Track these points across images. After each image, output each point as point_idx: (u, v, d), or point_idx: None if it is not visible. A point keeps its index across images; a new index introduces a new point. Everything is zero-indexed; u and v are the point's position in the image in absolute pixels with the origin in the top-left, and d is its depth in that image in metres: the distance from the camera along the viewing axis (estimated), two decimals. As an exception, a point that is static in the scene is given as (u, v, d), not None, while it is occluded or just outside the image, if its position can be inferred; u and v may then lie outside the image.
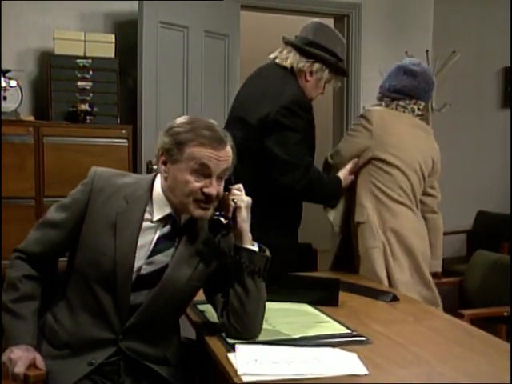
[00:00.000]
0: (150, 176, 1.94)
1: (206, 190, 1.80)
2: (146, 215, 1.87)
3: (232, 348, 1.74)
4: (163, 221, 1.88)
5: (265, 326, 1.90)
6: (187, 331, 2.10)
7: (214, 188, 1.81)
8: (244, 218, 1.86)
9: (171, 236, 1.89)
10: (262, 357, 1.66)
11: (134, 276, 1.83)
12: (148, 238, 1.86)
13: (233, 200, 1.86)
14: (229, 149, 1.83)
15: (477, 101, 5.15)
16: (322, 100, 3.03)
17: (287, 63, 2.67)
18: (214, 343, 1.82)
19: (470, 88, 5.18)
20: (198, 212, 1.83)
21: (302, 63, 2.66)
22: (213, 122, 1.86)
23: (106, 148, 3.97)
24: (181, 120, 1.85)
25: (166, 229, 1.88)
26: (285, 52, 2.70)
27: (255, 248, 1.87)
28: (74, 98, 4.02)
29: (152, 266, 1.85)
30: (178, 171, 1.81)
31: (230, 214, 1.87)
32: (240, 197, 1.87)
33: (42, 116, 4.07)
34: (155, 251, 1.86)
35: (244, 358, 1.65)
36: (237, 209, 1.86)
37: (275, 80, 2.67)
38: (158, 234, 1.88)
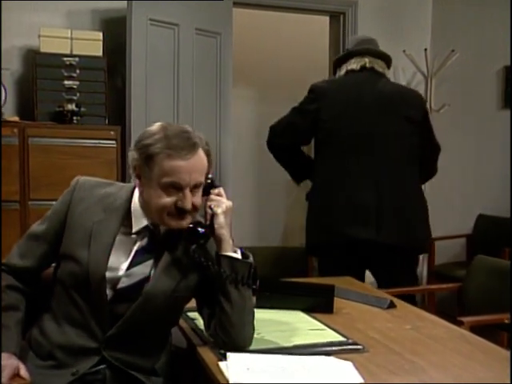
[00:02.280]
0: (131, 185, 1.91)
1: (179, 204, 1.75)
2: (124, 227, 1.84)
3: (223, 356, 1.72)
4: (142, 233, 1.85)
5: (257, 333, 1.87)
6: (177, 339, 2.07)
7: (188, 201, 1.75)
8: (221, 225, 1.81)
9: (150, 248, 1.85)
10: (254, 366, 1.65)
11: (112, 289, 1.80)
12: (127, 251, 1.84)
13: (209, 206, 1.82)
14: (201, 153, 1.77)
15: (476, 101, 5.12)
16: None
17: (384, 71, 3.29)
18: (204, 352, 1.80)
19: (470, 88, 5.15)
20: (174, 223, 1.79)
21: (386, 69, 3.34)
22: (186, 127, 1.80)
23: (93, 149, 3.92)
24: (149, 130, 1.79)
25: (145, 241, 1.86)
26: (380, 62, 3.28)
27: (237, 255, 1.81)
28: (60, 98, 3.96)
29: (131, 279, 1.82)
30: (149, 188, 1.77)
31: (208, 222, 1.82)
32: (218, 202, 1.83)
33: (27, 116, 4.01)
34: (134, 263, 1.83)
35: (236, 367, 1.64)
36: (213, 215, 1.81)
37: (389, 81, 3.34)
38: (136, 247, 1.85)
